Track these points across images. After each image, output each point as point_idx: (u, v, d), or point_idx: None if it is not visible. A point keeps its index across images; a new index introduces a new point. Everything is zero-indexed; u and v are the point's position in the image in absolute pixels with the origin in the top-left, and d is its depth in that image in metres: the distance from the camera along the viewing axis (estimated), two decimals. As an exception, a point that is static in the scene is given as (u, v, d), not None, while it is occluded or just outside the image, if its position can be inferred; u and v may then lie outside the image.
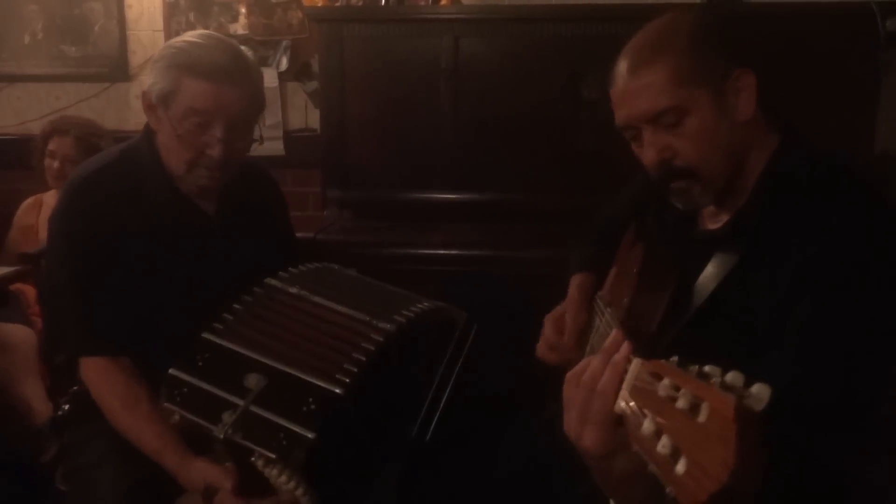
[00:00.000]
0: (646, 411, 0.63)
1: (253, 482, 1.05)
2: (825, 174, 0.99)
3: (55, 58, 2.74)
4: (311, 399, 1.01)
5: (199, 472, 1.13)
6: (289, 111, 2.68)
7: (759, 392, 0.57)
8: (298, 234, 1.94)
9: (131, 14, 2.70)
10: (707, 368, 0.60)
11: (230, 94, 1.24)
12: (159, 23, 2.69)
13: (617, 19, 1.99)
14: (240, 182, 1.42)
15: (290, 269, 1.27)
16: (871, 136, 2.01)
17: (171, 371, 1.09)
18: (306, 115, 2.67)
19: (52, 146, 2.42)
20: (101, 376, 1.28)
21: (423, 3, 2.28)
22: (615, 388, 0.70)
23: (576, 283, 1.28)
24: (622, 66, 1.04)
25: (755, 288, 0.97)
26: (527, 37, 2.07)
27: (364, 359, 1.05)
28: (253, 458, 1.02)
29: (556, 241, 1.79)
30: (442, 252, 1.91)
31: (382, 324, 1.08)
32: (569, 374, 0.77)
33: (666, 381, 0.61)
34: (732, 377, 0.58)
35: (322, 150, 2.24)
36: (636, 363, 0.69)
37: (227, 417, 1.01)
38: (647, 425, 0.62)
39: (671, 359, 0.64)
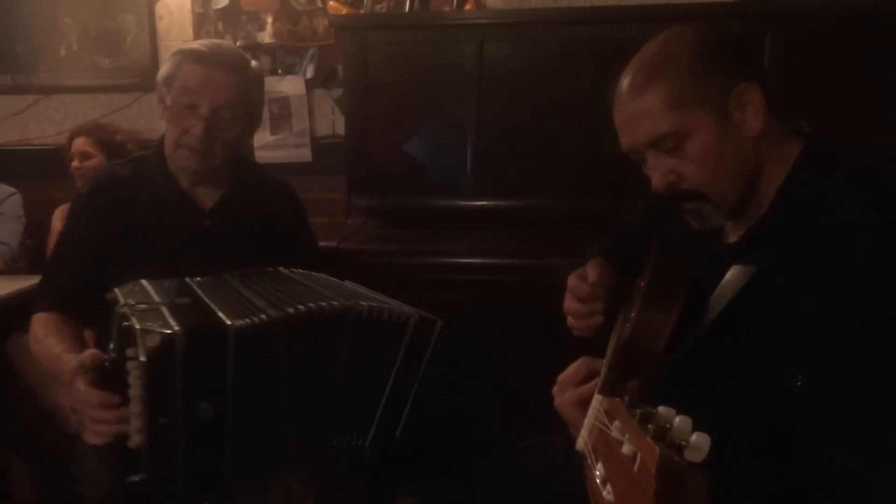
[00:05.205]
0: (598, 455, 0.63)
1: (116, 381, 1.11)
2: (849, 181, 0.95)
3: (89, 69, 2.80)
4: (207, 317, 1.10)
5: (76, 357, 1.19)
6: (316, 118, 2.69)
7: (698, 442, 0.54)
8: (324, 243, 1.96)
9: (162, 25, 2.75)
10: (661, 409, 0.57)
11: (218, 78, 1.37)
12: (189, 33, 2.73)
13: (642, 21, 1.95)
14: (249, 184, 1.52)
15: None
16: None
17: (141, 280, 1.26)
18: (333, 122, 2.69)
19: (73, 148, 2.51)
20: (41, 326, 1.36)
21: (446, 9, 2.26)
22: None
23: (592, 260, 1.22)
24: (619, 92, 1.02)
25: (775, 300, 0.93)
26: (551, 40, 2.04)
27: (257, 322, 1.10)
28: (129, 352, 1.06)
29: (583, 249, 1.76)
30: (467, 261, 1.90)
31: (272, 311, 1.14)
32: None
33: (617, 423, 0.60)
34: (680, 422, 0.55)
35: (346, 157, 2.25)
36: (596, 400, 0.68)
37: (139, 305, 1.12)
38: (599, 469, 0.61)
39: (624, 398, 0.62)
